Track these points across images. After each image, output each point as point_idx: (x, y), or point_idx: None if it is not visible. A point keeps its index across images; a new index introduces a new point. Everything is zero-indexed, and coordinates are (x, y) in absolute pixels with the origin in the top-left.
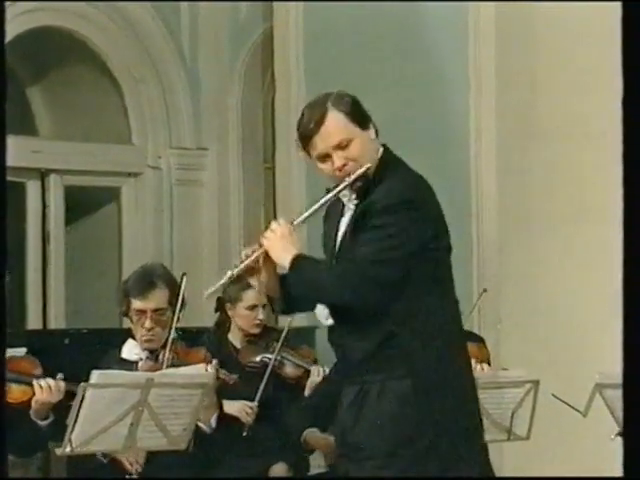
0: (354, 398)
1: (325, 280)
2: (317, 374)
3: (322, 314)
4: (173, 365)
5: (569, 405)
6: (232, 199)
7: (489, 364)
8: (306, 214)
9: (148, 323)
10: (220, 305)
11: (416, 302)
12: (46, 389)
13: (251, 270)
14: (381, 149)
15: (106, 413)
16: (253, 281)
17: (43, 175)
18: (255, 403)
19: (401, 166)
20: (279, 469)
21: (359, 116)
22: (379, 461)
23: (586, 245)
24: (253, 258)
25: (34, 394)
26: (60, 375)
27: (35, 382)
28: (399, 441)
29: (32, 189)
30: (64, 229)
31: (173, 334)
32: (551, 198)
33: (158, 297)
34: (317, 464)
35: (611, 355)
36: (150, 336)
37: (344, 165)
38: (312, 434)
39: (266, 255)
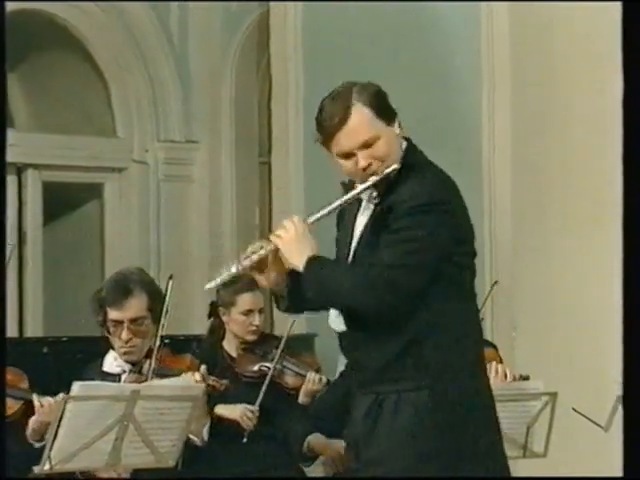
0: (368, 409)
1: (342, 283)
2: (312, 382)
3: (335, 320)
4: (158, 374)
5: (589, 419)
6: (224, 196)
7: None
8: (322, 212)
9: (125, 334)
10: (213, 310)
11: (439, 310)
12: (47, 407)
13: (257, 266)
14: (404, 143)
15: (88, 428)
16: (258, 277)
17: (20, 170)
18: (256, 407)
19: (427, 163)
20: None
21: (385, 110)
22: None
23: (603, 244)
24: (262, 255)
25: (24, 409)
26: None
27: (36, 400)
28: (417, 458)
29: (8, 185)
30: (42, 229)
31: (159, 342)
32: (567, 197)
33: (135, 305)
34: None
35: None
36: (128, 348)
37: (369, 165)
38: (317, 439)
39: (276, 253)
